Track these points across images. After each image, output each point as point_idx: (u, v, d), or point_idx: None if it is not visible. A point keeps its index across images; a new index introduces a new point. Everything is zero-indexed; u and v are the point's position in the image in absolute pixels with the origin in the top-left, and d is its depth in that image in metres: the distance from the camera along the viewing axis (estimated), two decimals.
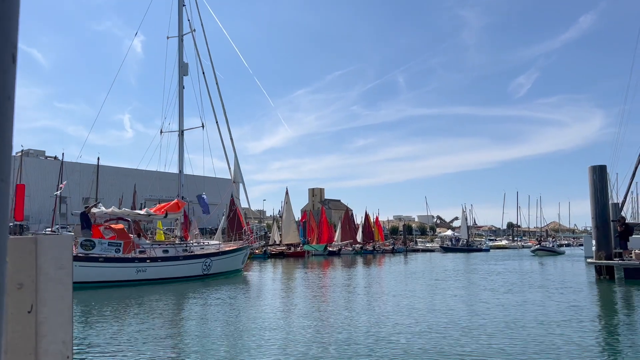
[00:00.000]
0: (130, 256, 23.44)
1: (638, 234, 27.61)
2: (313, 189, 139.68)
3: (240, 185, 31.95)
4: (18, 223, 23.99)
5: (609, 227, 21.30)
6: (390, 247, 74.80)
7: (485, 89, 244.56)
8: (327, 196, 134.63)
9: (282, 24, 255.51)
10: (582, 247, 54.56)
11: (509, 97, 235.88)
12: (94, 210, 24.91)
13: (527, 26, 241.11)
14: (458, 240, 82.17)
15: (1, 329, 0.67)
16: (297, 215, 72.82)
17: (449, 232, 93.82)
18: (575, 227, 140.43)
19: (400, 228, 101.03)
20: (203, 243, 29.79)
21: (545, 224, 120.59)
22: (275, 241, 59.12)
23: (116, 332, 10.54)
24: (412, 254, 68.03)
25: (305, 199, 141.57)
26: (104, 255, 22.48)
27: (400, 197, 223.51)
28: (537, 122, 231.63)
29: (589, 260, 24.53)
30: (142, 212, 27.21)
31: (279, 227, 61.16)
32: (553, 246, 63.44)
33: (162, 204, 28.86)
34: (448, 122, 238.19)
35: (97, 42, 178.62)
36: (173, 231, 29.33)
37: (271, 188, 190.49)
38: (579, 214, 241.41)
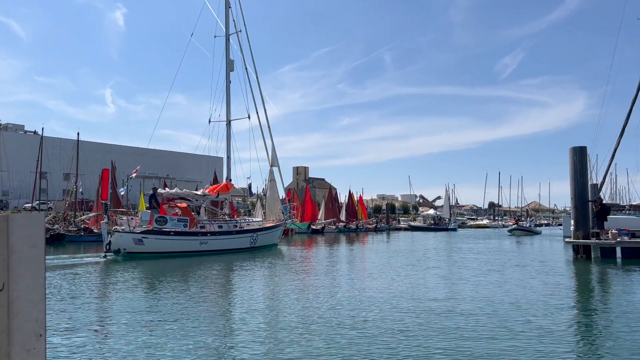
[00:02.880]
0: (194, 230, 27.00)
1: (615, 215, 28.18)
2: (297, 167, 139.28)
3: (276, 169, 36.08)
4: (103, 202, 28.81)
5: (588, 208, 21.69)
6: (373, 225, 75.51)
7: (471, 69, 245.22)
8: (311, 175, 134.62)
9: None
10: (561, 227, 55.58)
11: (495, 78, 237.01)
12: (160, 191, 28.80)
13: (514, 5, 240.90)
14: (440, 219, 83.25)
15: None
16: (282, 194, 72.77)
17: (432, 212, 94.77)
18: (555, 207, 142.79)
19: (384, 207, 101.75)
20: (248, 220, 33.68)
21: (526, 204, 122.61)
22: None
23: (187, 294, 12.78)
24: (395, 232, 68.77)
25: (289, 177, 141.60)
26: (174, 230, 25.93)
27: (384, 176, 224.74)
28: (521, 103, 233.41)
29: (567, 239, 25.00)
30: (198, 192, 30.80)
31: (262, 205, 61.33)
32: (530, 226, 64.42)
33: (214, 186, 32.60)
34: (433, 102, 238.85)
35: (77, 14, 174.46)
36: (222, 209, 33.15)
37: (255, 166, 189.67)
38: (559, 194, 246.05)
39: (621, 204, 53.94)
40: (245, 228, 30.63)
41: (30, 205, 54.09)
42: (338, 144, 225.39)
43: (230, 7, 33.79)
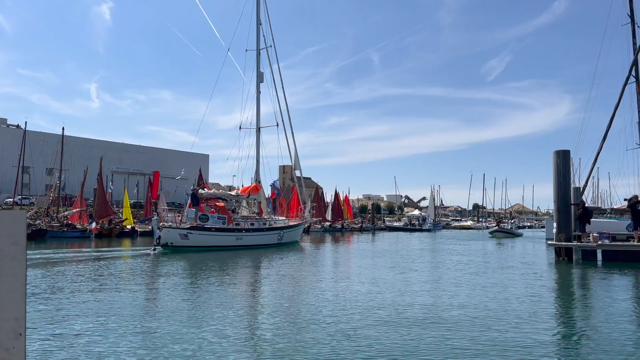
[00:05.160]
0: (231, 227, 30.11)
1: (597, 218, 28.58)
2: (284, 166, 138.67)
3: (297, 171, 40.05)
4: (153, 200, 33.56)
5: (570, 211, 21.95)
6: (359, 225, 75.73)
7: (459, 71, 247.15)
8: (297, 174, 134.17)
9: None
10: (543, 229, 56.14)
11: (481, 80, 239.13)
12: (200, 191, 31.33)
13: (502, 8, 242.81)
14: (424, 220, 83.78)
15: None
16: (267, 192, 72.58)
17: (416, 212, 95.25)
18: (538, 210, 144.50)
19: (369, 207, 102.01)
20: (274, 219, 37.22)
21: (510, 206, 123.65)
22: None
23: (225, 280, 15.45)
24: (380, 232, 69.02)
25: (275, 176, 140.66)
26: (215, 227, 29.00)
27: (371, 176, 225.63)
28: (507, 106, 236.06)
29: (549, 242, 25.27)
30: (232, 193, 34.57)
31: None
32: (511, 228, 64.78)
33: (246, 187, 36.21)
34: (420, 103, 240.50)
35: (63, 6, 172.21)
36: (251, 208, 36.51)
37: (241, 164, 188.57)
38: (542, 196, 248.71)
39: (603, 207, 54.71)
40: (274, 226, 34.21)
41: (12, 200, 53.29)
42: (325, 144, 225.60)
43: (260, 24, 37.33)
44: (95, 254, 25.12)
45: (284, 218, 38.71)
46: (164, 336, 7.67)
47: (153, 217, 29.02)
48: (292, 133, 38.35)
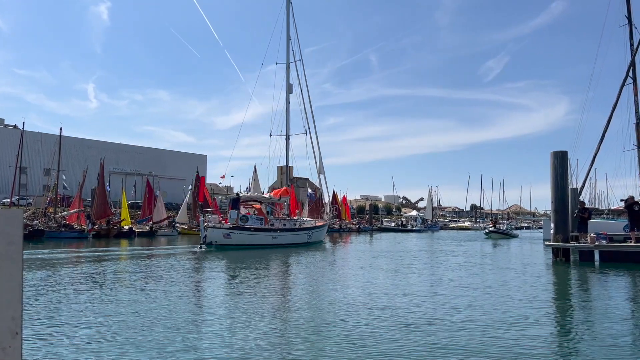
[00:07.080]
0: (268, 227, 32.91)
1: (595, 219, 28.60)
2: (281, 166, 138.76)
3: (322, 176, 42.25)
4: (200, 203, 36.87)
5: (568, 211, 21.92)
6: (356, 225, 75.80)
7: (457, 72, 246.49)
8: (295, 174, 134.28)
9: None
10: (541, 230, 56.17)
11: (479, 80, 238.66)
12: (240, 195, 35.53)
13: (500, 9, 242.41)
14: (423, 220, 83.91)
15: None
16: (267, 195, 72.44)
17: (414, 213, 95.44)
18: (536, 210, 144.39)
19: (367, 207, 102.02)
20: (303, 219, 40.69)
21: (507, 207, 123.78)
22: None
23: (261, 275, 17.42)
24: (377, 233, 69.03)
25: (273, 176, 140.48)
26: (254, 227, 31.70)
27: (368, 177, 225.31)
28: (505, 107, 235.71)
29: (546, 242, 25.32)
30: (266, 195, 37.25)
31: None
32: (507, 229, 64.67)
33: (277, 190, 39.47)
34: (418, 104, 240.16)
35: (60, 6, 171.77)
36: (282, 209, 38.64)
37: (239, 165, 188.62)
38: (540, 197, 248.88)
39: (600, 208, 54.80)
40: (303, 226, 37.08)
41: (9, 200, 53.18)
42: (323, 144, 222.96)
43: (290, 39, 40.43)
44: (145, 252, 27.57)
45: (310, 219, 42.34)
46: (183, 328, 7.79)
47: (200, 218, 32.52)
48: (317, 138, 41.09)
